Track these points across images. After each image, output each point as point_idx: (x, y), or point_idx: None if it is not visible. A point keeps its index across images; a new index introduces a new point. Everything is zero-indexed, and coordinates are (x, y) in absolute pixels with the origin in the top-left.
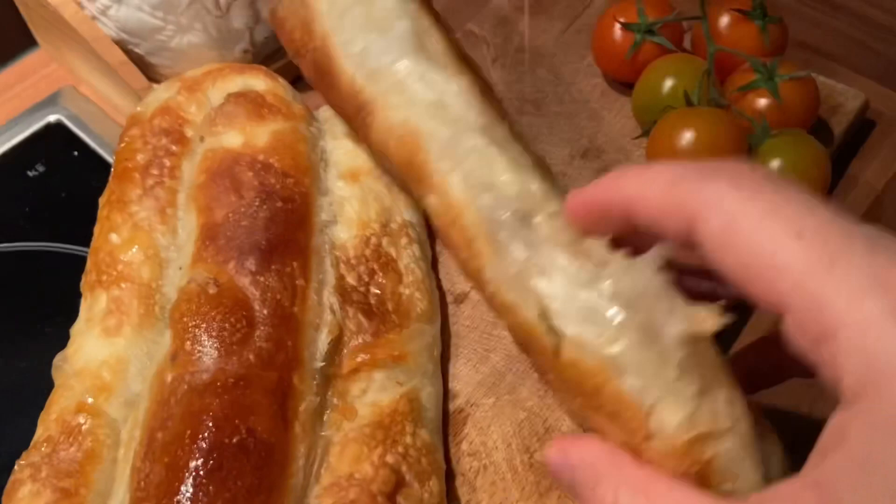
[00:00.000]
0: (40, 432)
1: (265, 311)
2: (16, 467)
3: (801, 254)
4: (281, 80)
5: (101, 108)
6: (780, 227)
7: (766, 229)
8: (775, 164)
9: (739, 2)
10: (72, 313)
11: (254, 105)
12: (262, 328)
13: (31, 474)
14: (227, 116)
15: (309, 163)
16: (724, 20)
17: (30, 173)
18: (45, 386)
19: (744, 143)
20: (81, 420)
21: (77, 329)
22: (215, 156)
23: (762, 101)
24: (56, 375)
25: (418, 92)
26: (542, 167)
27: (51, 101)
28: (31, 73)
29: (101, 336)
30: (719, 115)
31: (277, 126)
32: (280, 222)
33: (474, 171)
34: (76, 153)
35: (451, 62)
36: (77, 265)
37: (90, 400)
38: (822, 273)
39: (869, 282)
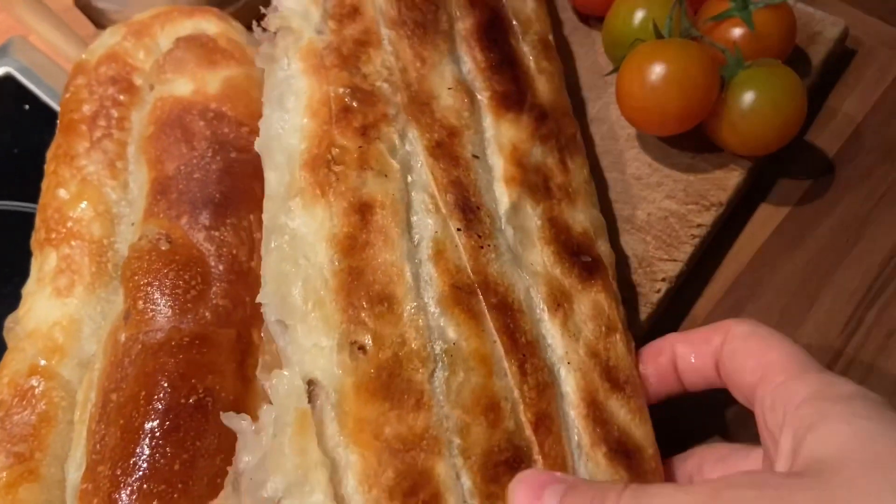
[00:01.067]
0: None
1: (221, 267)
2: None
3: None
4: (234, 22)
5: (51, 59)
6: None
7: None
8: (749, 96)
9: None
10: (27, 273)
11: (204, 50)
12: (218, 284)
13: None
14: (175, 62)
15: None
16: None
17: None
18: (2, 346)
19: (716, 76)
20: (34, 383)
21: (28, 289)
22: (164, 105)
23: (736, 31)
24: (7, 337)
25: None
26: None
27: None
28: None
29: (52, 296)
30: (691, 47)
31: (230, 72)
32: (235, 174)
33: None
34: (27, 107)
35: None
36: (32, 223)
37: (43, 362)
38: None
39: None
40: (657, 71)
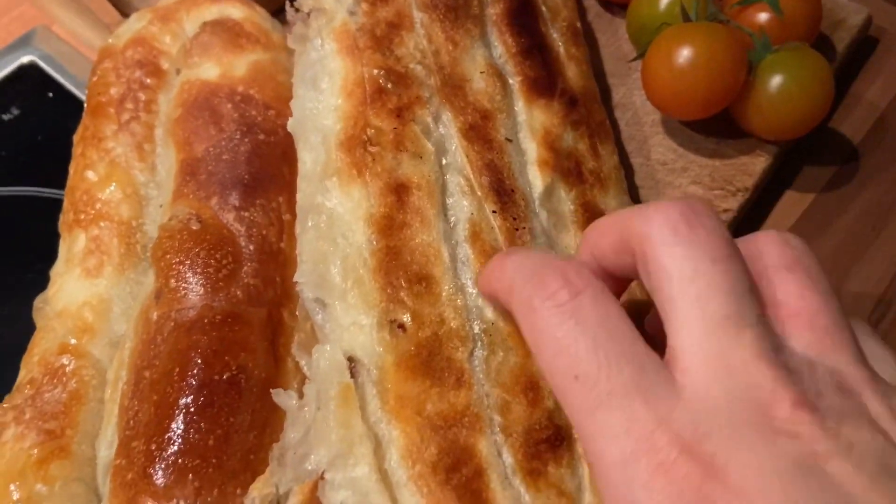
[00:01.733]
0: (23, 375)
1: (251, 247)
2: None
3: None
4: (259, 8)
5: (74, 48)
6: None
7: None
8: (777, 80)
9: None
10: (52, 258)
11: (231, 34)
12: (248, 264)
13: (15, 417)
14: (202, 47)
15: (290, 93)
16: None
17: (5, 117)
18: (27, 332)
19: (744, 59)
20: (65, 361)
21: (57, 270)
22: (192, 88)
23: (763, 16)
24: (37, 317)
25: None
26: None
27: (23, 42)
28: (3, 14)
29: (81, 277)
30: (718, 30)
31: (256, 56)
32: (263, 156)
33: None
34: (51, 94)
35: None
36: (56, 209)
37: (73, 341)
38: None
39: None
40: (685, 54)
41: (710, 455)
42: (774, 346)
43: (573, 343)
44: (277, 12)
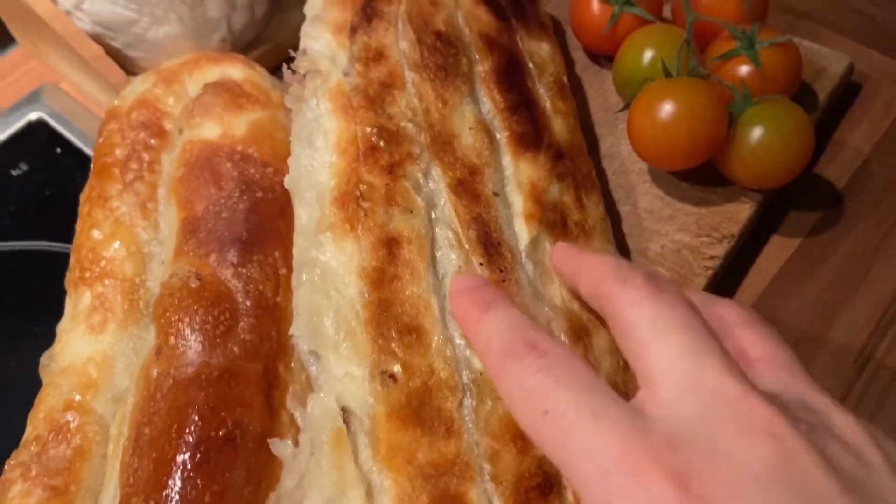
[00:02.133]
0: (29, 431)
1: (248, 303)
2: (6, 467)
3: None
4: (258, 68)
5: (82, 104)
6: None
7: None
8: (758, 132)
9: None
10: (60, 311)
11: (231, 95)
12: (245, 320)
13: (22, 473)
14: (204, 107)
15: (288, 150)
16: None
17: (13, 172)
18: (35, 385)
19: (725, 112)
20: (70, 418)
21: (63, 327)
22: (193, 148)
23: (743, 69)
24: (43, 374)
25: None
26: None
27: (32, 99)
28: (12, 71)
29: (86, 333)
30: (699, 85)
31: (255, 115)
32: (261, 212)
33: None
34: (59, 150)
35: None
36: (64, 263)
37: (77, 397)
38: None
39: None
40: (667, 108)
41: (685, 461)
42: (741, 371)
43: (540, 385)
44: (276, 69)
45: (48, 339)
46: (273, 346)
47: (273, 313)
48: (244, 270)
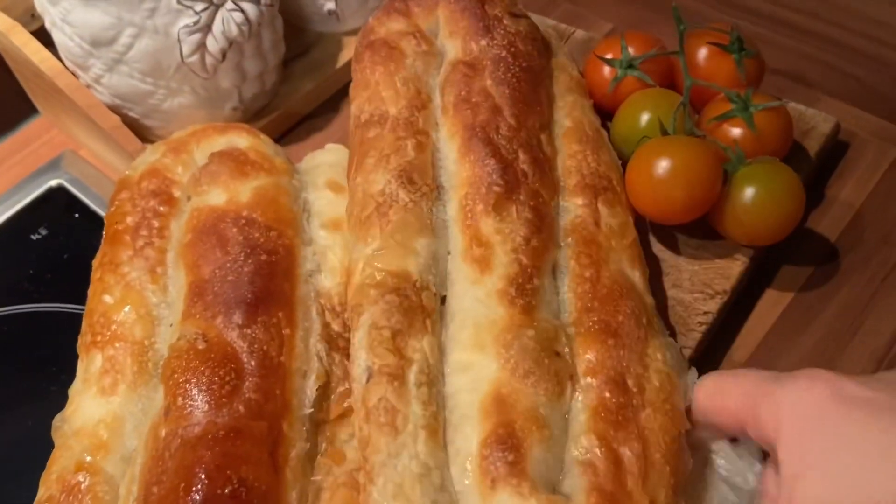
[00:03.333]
0: (42, 492)
1: (253, 363)
2: None
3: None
4: (263, 136)
5: (100, 171)
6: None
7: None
8: (750, 191)
9: (719, 35)
10: (75, 371)
11: (236, 163)
12: (250, 379)
13: None
14: (210, 175)
15: (292, 214)
16: (702, 53)
17: (33, 237)
18: (51, 444)
19: (719, 171)
20: (81, 479)
21: (75, 389)
22: (201, 214)
23: (737, 131)
24: (55, 436)
25: None
26: None
27: (52, 166)
28: (34, 140)
29: (97, 395)
30: (695, 143)
31: (260, 182)
32: (265, 275)
33: None
34: (77, 215)
35: None
36: (79, 323)
37: (88, 458)
38: None
39: None
40: (663, 165)
41: None
42: None
43: None
44: (284, 135)
45: (63, 398)
46: (277, 405)
47: (277, 372)
48: (249, 331)
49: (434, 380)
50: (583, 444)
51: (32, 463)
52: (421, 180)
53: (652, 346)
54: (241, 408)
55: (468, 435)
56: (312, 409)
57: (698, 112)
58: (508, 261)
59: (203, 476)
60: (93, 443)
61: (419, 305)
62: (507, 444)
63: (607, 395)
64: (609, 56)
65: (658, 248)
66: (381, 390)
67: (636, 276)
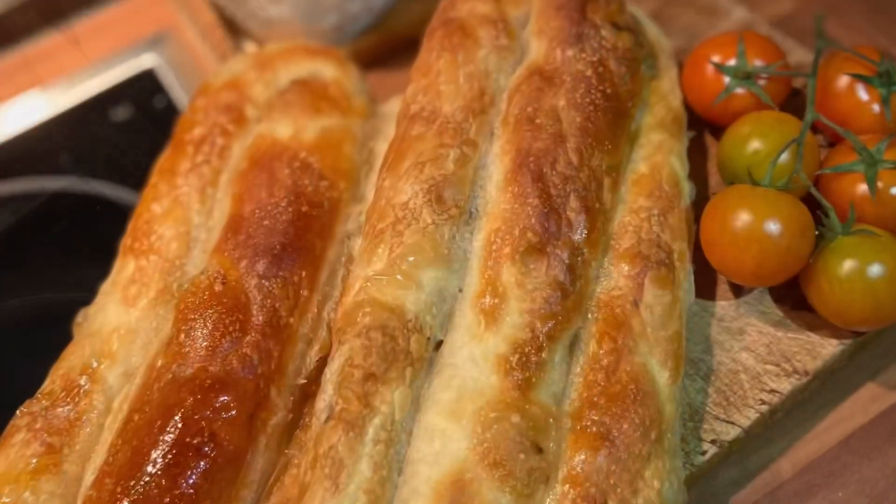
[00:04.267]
0: (47, 383)
1: (261, 318)
2: (17, 413)
3: None
4: (352, 69)
5: (194, 64)
6: None
7: None
8: (848, 265)
9: (864, 63)
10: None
11: (313, 97)
12: (252, 335)
13: (28, 424)
14: (284, 104)
15: (350, 164)
16: (841, 82)
17: (114, 118)
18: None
19: (808, 238)
20: (83, 382)
21: (104, 288)
22: (262, 144)
23: (861, 188)
24: (75, 330)
25: None
26: None
27: (149, 46)
28: (140, 12)
29: (120, 302)
30: (785, 201)
31: (330, 122)
32: (300, 228)
33: None
34: (162, 106)
35: None
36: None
37: (94, 364)
38: None
39: None
40: (739, 220)
41: None
42: None
43: None
44: (382, 61)
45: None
46: (271, 367)
47: (281, 334)
48: (267, 284)
49: (395, 439)
50: None
51: (53, 348)
52: (452, 200)
53: (652, 468)
54: (234, 362)
55: None
56: (305, 381)
57: (833, 143)
58: (520, 323)
59: (178, 419)
60: (103, 349)
61: (404, 350)
62: None
63: None
64: (718, 59)
65: (740, 302)
66: (335, 438)
67: (663, 378)
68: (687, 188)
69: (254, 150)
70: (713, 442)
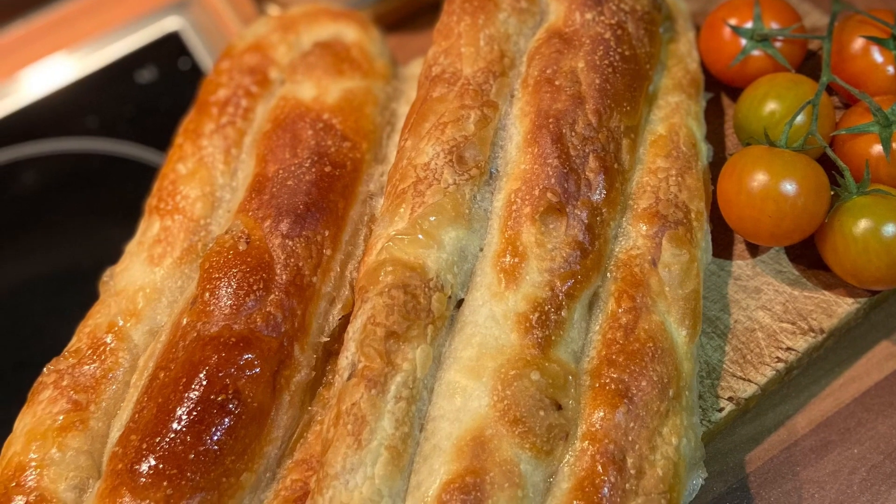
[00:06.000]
0: (73, 341)
1: (284, 277)
2: (44, 370)
3: None
4: (374, 32)
5: (219, 27)
6: None
7: None
8: (862, 225)
9: (878, 26)
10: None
11: (335, 58)
12: (276, 294)
13: (55, 381)
14: (307, 67)
15: (373, 126)
16: (856, 45)
17: (140, 80)
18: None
19: (823, 198)
20: (108, 340)
21: (130, 248)
22: (286, 105)
23: (876, 149)
24: (101, 289)
25: None
26: None
27: (174, 7)
28: None
29: (146, 262)
30: (800, 161)
31: (352, 84)
32: (323, 188)
33: None
34: (186, 68)
35: None
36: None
37: (121, 322)
38: None
39: None
40: (758, 179)
41: None
42: None
43: None
44: (404, 23)
45: (124, 240)
46: (294, 326)
47: (305, 292)
48: (290, 243)
49: (416, 396)
50: None
51: (79, 307)
52: (473, 160)
53: (670, 424)
54: (258, 320)
55: (435, 470)
56: (329, 339)
57: (849, 104)
58: (540, 281)
59: (203, 377)
60: (129, 308)
61: (426, 309)
62: (471, 495)
63: (599, 469)
64: (735, 22)
65: (756, 261)
66: (357, 395)
67: (681, 336)
68: (704, 149)
69: (277, 112)
70: (730, 399)
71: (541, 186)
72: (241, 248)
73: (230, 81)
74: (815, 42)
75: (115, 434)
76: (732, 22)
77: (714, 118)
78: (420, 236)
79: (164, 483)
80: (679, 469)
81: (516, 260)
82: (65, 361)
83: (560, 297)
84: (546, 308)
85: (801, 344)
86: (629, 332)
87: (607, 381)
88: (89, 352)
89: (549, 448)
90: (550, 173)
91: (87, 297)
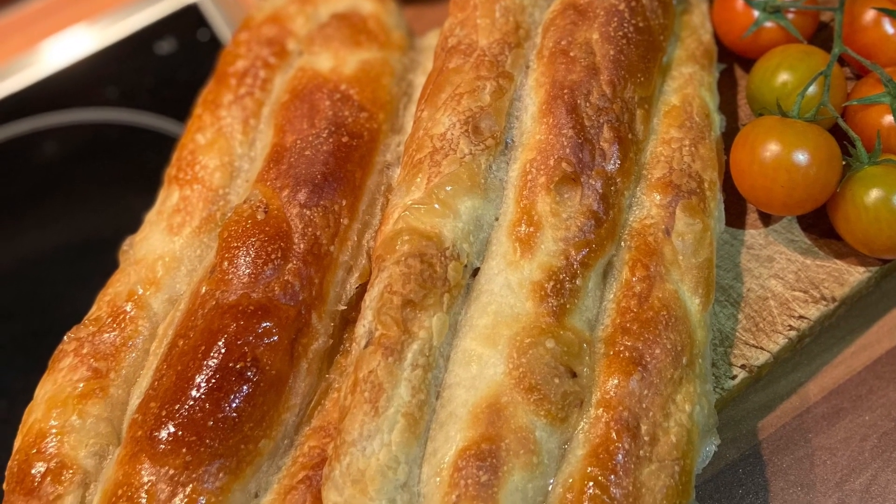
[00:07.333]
0: (94, 310)
1: (302, 246)
2: (65, 338)
3: None
4: (391, 2)
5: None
6: None
7: None
8: (874, 194)
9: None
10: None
11: (352, 30)
12: (294, 262)
13: (75, 349)
14: (325, 38)
15: (389, 97)
16: (867, 17)
17: (159, 52)
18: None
19: (835, 168)
20: (128, 308)
21: (149, 217)
22: (304, 76)
23: (887, 119)
24: (121, 258)
25: None
26: None
27: None
28: None
29: (165, 231)
30: (811, 132)
31: (369, 55)
32: (340, 157)
33: None
34: (205, 39)
35: None
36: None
37: (140, 291)
38: None
39: None
40: (768, 150)
41: None
42: None
43: None
44: None
45: (143, 209)
46: (312, 294)
47: (322, 261)
48: (308, 213)
49: (432, 364)
50: (570, 487)
51: (99, 275)
52: (488, 130)
53: (684, 392)
54: (276, 288)
55: (451, 437)
56: (346, 307)
57: (860, 75)
58: (555, 250)
59: (222, 345)
60: (148, 276)
61: (442, 277)
62: (487, 462)
63: (614, 436)
64: None
65: (769, 230)
66: (374, 363)
67: (694, 305)
68: (717, 119)
69: (295, 83)
70: (743, 367)
71: (556, 156)
72: (259, 217)
73: (248, 53)
74: (826, 13)
75: (134, 401)
76: None
77: (727, 89)
78: (436, 206)
79: (183, 450)
80: (692, 436)
81: (531, 229)
82: (85, 329)
83: (575, 266)
84: (561, 277)
85: (813, 312)
86: (643, 301)
87: (621, 348)
88: (109, 320)
89: (564, 415)
90: (565, 143)
91: (107, 265)
